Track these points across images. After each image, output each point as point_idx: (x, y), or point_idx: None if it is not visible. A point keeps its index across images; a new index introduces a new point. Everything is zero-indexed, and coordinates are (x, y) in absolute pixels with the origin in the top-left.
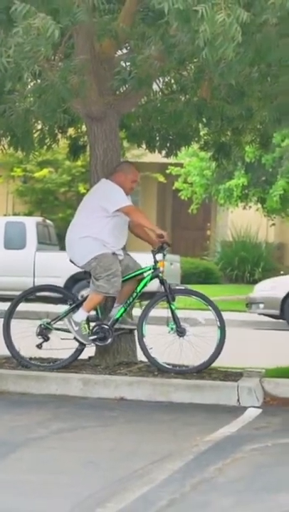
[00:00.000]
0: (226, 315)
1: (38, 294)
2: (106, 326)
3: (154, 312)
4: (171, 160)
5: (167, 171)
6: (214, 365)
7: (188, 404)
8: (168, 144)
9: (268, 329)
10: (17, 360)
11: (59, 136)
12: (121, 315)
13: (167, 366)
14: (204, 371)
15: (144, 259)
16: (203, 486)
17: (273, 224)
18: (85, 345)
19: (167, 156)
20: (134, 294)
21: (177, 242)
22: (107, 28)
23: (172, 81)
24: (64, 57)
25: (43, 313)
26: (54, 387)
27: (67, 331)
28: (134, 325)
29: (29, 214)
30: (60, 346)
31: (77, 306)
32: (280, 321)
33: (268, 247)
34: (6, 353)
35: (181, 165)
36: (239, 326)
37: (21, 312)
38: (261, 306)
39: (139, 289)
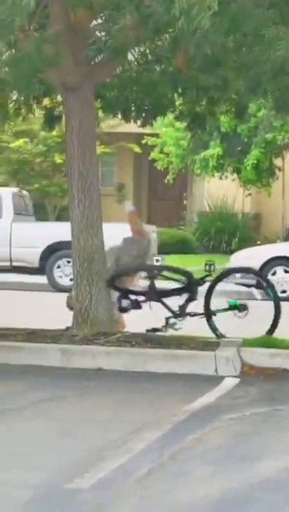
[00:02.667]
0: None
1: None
2: None
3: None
4: (147, 130)
5: (143, 142)
6: (192, 334)
7: (165, 374)
8: (143, 114)
9: (244, 299)
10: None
11: (34, 106)
12: None
13: None
14: (182, 341)
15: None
16: (182, 456)
17: (249, 194)
18: None
19: (143, 125)
20: None
21: (154, 212)
22: None
23: (147, 51)
24: (39, 27)
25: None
26: (32, 358)
27: None
28: None
29: (5, 185)
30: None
31: None
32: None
33: (244, 218)
34: None
35: (156, 135)
36: (215, 296)
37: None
38: (238, 275)
39: None
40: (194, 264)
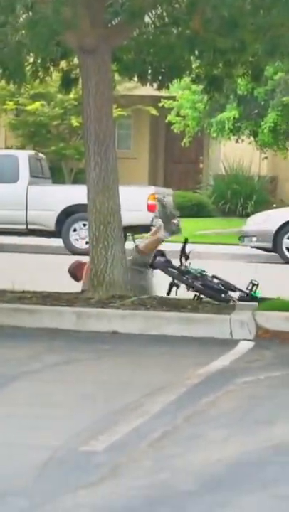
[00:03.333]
0: (218, 248)
1: None
2: None
3: None
4: (164, 93)
5: (160, 104)
6: (208, 299)
7: (181, 337)
8: (160, 77)
9: (260, 262)
10: None
11: (51, 69)
12: None
13: None
14: (198, 304)
15: None
16: (196, 419)
17: (266, 157)
18: None
19: (159, 88)
20: None
21: (170, 175)
22: None
23: (164, 13)
24: None
25: None
26: (47, 321)
27: None
28: None
29: (22, 147)
30: None
31: None
32: (272, 254)
33: (260, 181)
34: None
35: (173, 98)
36: (231, 259)
37: None
38: (254, 239)
39: None
40: (209, 227)
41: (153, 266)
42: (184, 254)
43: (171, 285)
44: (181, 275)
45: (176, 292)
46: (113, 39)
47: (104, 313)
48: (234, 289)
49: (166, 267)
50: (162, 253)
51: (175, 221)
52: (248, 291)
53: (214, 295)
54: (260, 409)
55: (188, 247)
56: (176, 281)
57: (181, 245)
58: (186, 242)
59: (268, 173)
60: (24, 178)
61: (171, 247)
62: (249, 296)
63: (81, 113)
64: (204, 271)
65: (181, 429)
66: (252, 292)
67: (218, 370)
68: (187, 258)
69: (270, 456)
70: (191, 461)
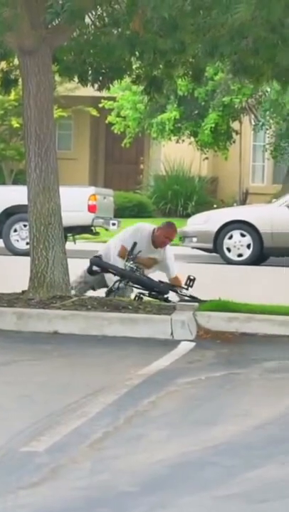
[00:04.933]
0: None
1: None
2: None
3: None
4: (104, 94)
5: (100, 105)
6: (149, 299)
7: (122, 337)
8: (100, 78)
9: (201, 263)
10: None
11: None
12: None
13: None
14: (139, 305)
15: None
16: (137, 419)
17: (206, 158)
18: None
19: (100, 89)
20: None
21: (110, 176)
22: None
23: (104, 14)
24: None
25: None
26: None
27: None
28: None
29: None
30: None
31: None
32: (213, 254)
33: (201, 181)
34: None
35: (114, 99)
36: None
37: None
38: (194, 239)
39: None
40: None
41: (92, 272)
42: (130, 256)
43: (111, 289)
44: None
45: (116, 294)
46: (53, 40)
47: (45, 313)
48: (174, 287)
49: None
50: (100, 257)
51: None
52: (186, 287)
53: (155, 295)
54: (201, 409)
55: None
56: (120, 283)
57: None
58: (134, 244)
59: (208, 174)
60: None
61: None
62: (188, 290)
63: (21, 114)
64: (139, 265)
65: (122, 430)
66: (190, 286)
67: (159, 371)
68: (135, 259)
69: (210, 456)
70: (132, 462)
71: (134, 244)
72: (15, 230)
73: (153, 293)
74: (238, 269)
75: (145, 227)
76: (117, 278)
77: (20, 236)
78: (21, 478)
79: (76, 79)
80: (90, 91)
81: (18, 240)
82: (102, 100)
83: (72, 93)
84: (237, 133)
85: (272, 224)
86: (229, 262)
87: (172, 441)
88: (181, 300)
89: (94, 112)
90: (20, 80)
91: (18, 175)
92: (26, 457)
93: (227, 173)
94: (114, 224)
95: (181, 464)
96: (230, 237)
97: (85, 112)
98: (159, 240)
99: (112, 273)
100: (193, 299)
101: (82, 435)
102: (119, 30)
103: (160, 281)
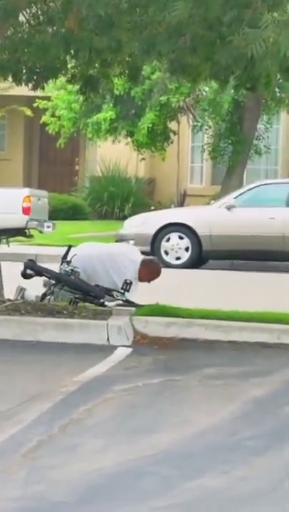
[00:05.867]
0: None
1: None
2: None
3: None
4: (39, 93)
5: (35, 105)
6: (84, 303)
7: (56, 343)
8: (35, 77)
9: None
10: None
11: None
12: None
13: None
14: (74, 310)
15: None
16: (73, 428)
17: (143, 159)
18: None
19: (34, 89)
20: None
21: (44, 177)
22: None
23: (39, 12)
24: None
25: None
26: None
27: None
28: None
29: None
30: None
31: None
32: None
33: (137, 183)
34: None
35: (48, 98)
36: None
37: None
38: (131, 242)
39: None
40: (84, 230)
41: (26, 276)
42: (65, 259)
43: (45, 294)
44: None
45: (51, 299)
46: None
47: None
48: (109, 291)
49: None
50: (33, 260)
51: None
52: (122, 291)
53: (91, 299)
54: (139, 417)
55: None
56: (55, 287)
57: (64, 250)
58: (69, 248)
59: (145, 175)
60: None
61: (48, 251)
62: (124, 295)
63: None
64: (75, 267)
65: (57, 439)
66: (126, 291)
67: (95, 377)
68: (69, 263)
69: (149, 465)
70: (67, 472)
71: (69, 247)
72: None
73: (89, 297)
74: (176, 272)
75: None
76: None
77: None
78: None
79: (10, 78)
80: (24, 90)
81: None
82: (37, 100)
83: (5, 92)
84: (175, 133)
85: (210, 226)
86: (167, 265)
87: (109, 450)
88: (118, 305)
89: (28, 112)
90: None
91: None
92: None
93: (164, 174)
94: (48, 226)
95: (119, 473)
96: (168, 240)
97: (19, 112)
98: (143, 278)
99: (47, 277)
100: (129, 303)
101: (16, 444)
102: (54, 28)
103: (96, 285)
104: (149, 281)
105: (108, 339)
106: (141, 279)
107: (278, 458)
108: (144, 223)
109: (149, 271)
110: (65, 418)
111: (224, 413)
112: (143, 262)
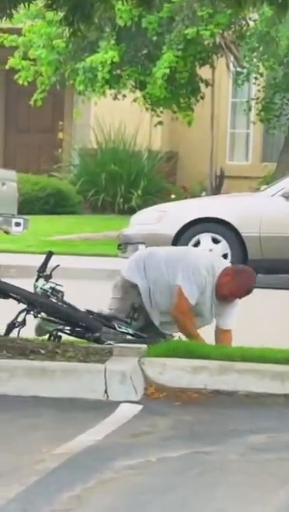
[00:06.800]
0: (88, 262)
1: None
2: None
3: None
4: (4, 24)
5: None
6: (71, 338)
7: (30, 397)
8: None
9: None
10: None
11: None
12: None
13: None
14: (56, 348)
15: None
16: None
17: (160, 123)
18: None
19: None
20: None
21: (13, 150)
22: None
23: None
24: None
25: None
26: None
27: None
28: None
29: None
30: None
31: None
32: None
33: (152, 159)
34: None
35: (18, 31)
36: (108, 278)
37: None
38: (141, 247)
39: None
40: (72, 229)
41: None
42: (43, 273)
43: (13, 324)
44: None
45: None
46: None
47: None
48: (109, 321)
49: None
50: None
51: None
52: (128, 320)
53: (81, 332)
54: (153, 508)
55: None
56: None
57: (41, 259)
58: (49, 255)
59: (163, 148)
60: None
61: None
62: (131, 324)
63: None
64: (56, 286)
65: None
66: (133, 320)
67: (86, 449)
68: (49, 278)
69: None
70: None
71: (49, 254)
72: None
73: (78, 329)
74: None
75: (213, 265)
76: None
77: None
78: None
79: None
80: None
81: None
82: (1, 34)
83: None
84: (208, 84)
85: (260, 223)
86: None
87: None
88: (121, 340)
89: None
90: None
91: None
92: None
93: (192, 145)
94: (18, 224)
95: None
96: (197, 244)
97: None
98: (223, 291)
99: (15, 298)
100: (138, 337)
101: None
102: None
103: (88, 311)
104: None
105: (106, 391)
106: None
107: None
108: (161, 219)
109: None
110: (43, 509)
111: (277, 503)
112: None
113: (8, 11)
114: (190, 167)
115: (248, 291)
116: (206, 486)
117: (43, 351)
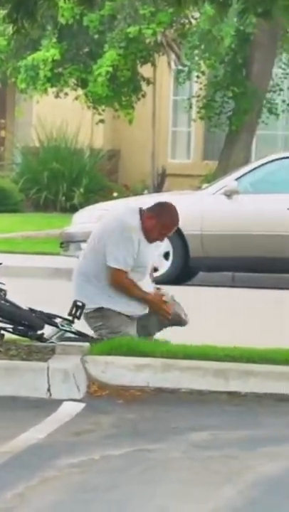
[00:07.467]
0: (31, 260)
1: None
2: None
3: None
4: None
5: None
6: (14, 337)
7: None
8: None
9: None
10: None
11: None
12: None
13: None
14: None
15: None
16: None
17: (101, 121)
18: None
19: None
20: None
21: None
22: None
23: None
24: None
25: None
26: None
27: None
28: None
29: None
30: None
31: None
32: None
33: (93, 157)
34: None
35: None
36: (51, 276)
37: None
38: (83, 245)
39: None
40: (14, 228)
41: None
42: None
43: None
44: None
45: None
46: None
47: None
48: (52, 319)
49: None
50: None
51: None
52: (70, 318)
53: (23, 330)
54: (96, 506)
55: None
56: None
57: None
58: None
59: (104, 146)
60: None
61: None
62: (74, 322)
63: None
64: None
65: None
66: (76, 317)
67: (29, 447)
68: None
69: None
70: None
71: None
72: None
73: (21, 327)
74: None
75: (128, 219)
76: None
77: None
78: None
79: None
80: None
81: None
82: None
83: None
84: (149, 82)
85: (202, 222)
86: None
87: None
88: (64, 338)
89: None
90: None
91: None
92: None
93: (133, 143)
94: None
95: None
96: None
97: None
98: (153, 235)
99: None
100: (81, 336)
101: None
102: None
103: (31, 309)
104: None
105: (49, 390)
106: None
107: None
108: (103, 217)
109: None
110: None
111: (220, 500)
112: None
113: None
114: (132, 165)
115: (176, 225)
116: (149, 483)
117: None
